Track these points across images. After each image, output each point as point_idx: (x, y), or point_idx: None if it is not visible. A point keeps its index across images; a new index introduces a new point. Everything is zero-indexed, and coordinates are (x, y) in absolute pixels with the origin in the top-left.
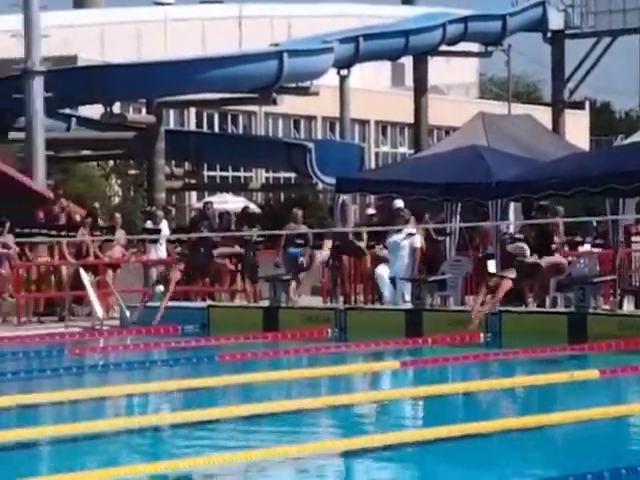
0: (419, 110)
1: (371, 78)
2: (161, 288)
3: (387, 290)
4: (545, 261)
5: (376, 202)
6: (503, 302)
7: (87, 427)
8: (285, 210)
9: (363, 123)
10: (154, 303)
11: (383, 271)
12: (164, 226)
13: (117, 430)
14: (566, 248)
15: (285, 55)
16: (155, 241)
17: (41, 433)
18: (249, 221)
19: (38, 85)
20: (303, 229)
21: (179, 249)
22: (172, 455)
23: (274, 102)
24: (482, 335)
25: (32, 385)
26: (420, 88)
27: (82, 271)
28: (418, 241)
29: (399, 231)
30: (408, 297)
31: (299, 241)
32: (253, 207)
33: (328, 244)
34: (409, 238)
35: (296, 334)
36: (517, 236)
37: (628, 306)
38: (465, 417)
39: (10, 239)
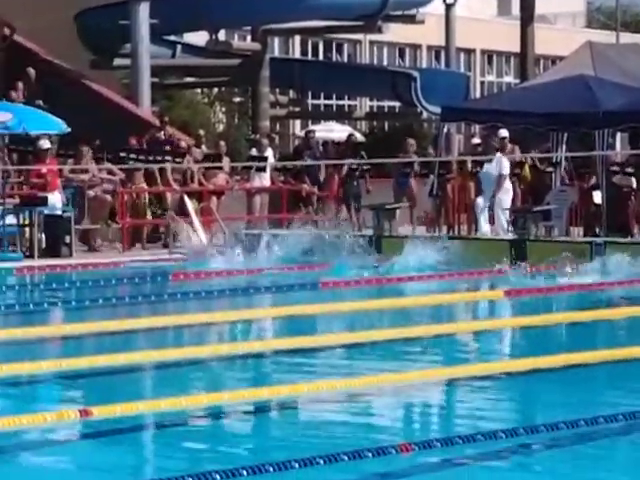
0: (525, 39)
1: (477, 7)
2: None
3: (483, 220)
4: None
5: (481, 132)
6: (608, 233)
7: (191, 352)
8: (389, 139)
9: (469, 52)
10: (254, 231)
11: (481, 201)
12: (269, 154)
13: (220, 356)
14: None
15: None
16: (260, 169)
17: (146, 357)
18: (354, 150)
19: (144, 11)
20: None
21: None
22: (275, 382)
23: (379, 30)
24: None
25: (136, 310)
26: (526, 17)
27: (186, 198)
28: (505, 168)
29: (491, 161)
30: (507, 226)
31: (407, 170)
32: (358, 136)
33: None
34: (498, 165)
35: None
36: (627, 170)
37: None
38: (569, 347)
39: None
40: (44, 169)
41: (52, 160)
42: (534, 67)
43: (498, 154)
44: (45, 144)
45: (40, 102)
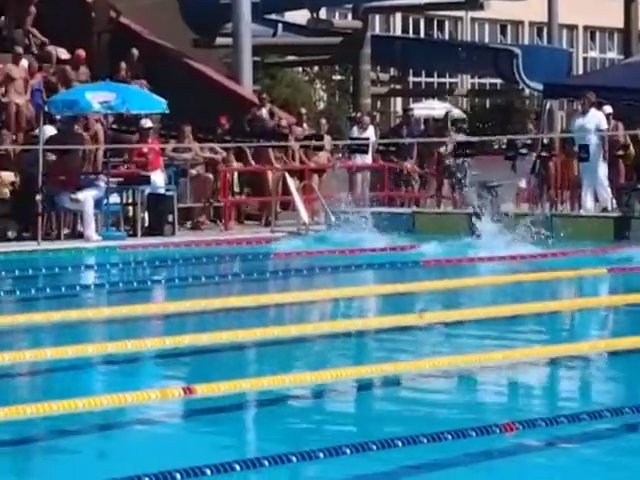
0: (629, 15)
1: None
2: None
3: (588, 197)
4: None
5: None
6: None
7: (293, 330)
8: (491, 116)
9: (571, 28)
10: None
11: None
12: (370, 132)
13: (323, 334)
14: None
15: None
16: (361, 150)
17: (248, 335)
18: (455, 127)
19: None
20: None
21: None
22: (378, 359)
23: (481, 7)
24: None
25: (239, 289)
26: None
27: (288, 176)
28: (602, 122)
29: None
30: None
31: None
32: (458, 113)
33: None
34: (595, 119)
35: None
36: None
37: None
38: None
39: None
40: (146, 148)
41: (155, 139)
42: (638, 43)
43: (593, 109)
44: (147, 123)
45: (143, 82)
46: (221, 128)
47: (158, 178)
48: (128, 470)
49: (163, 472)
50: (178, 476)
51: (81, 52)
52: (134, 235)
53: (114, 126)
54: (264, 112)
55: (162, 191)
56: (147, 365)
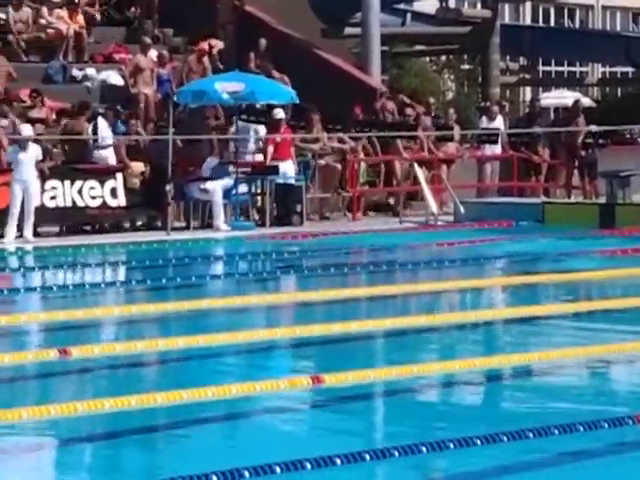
0: None
1: None
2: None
3: None
4: None
5: None
6: None
7: (421, 321)
8: (622, 105)
9: None
10: (484, 199)
11: None
12: (499, 122)
13: (451, 324)
14: None
15: None
16: (490, 140)
17: (377, 325)
18: (586, 117)
19: None
20: None
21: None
22: (507, 350)
23: None
24: None
25: (367, 279)
26: None
27: (416, 166)
28: None
29: None
30: None
31: None
32: (588, 102)
33: None
34: None
35: (632, 231)
36: None
37: None
38: None
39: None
40: (278, 138)
41: (286, 129)
42: None
43: None
44: (279, 113)
45: (271, 72)
46: (355, 118)
47: (289, 168)
48: (257, 459)
49: (294, 461)
50: (308, 465)
51: (204, 44)
52: (262, 225)
53: (243, 116)
54: (392, 102)
55: (291, 181)
56: (277, 354)
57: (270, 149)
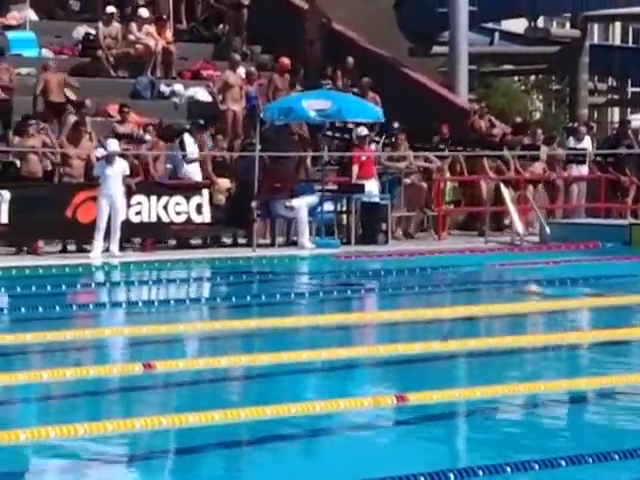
0: None
1: None
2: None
3: None
4: None
5: None
6: None
7: (506, 342)
8: None
9: None
10: (570, 220)
11: None
12: (587, 142)
13: (536, 346)
14: None
15: None
16: (578, 161)
17: (461, 346)
18: None
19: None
20: None
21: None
22: (592, 372)
23: None
24: None
25: (451, 299)
26: None
27: (503, 186)
28: None
29: None
30: None
31: None
32: None
33: None
34: None
35: None
36: None
37: None
38: None
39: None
40: (363, 156)
41: (369, 148)
42: None
43: None
44: (363, 131)
45: (376, 96)
46: (441, 136)
47: (373, 186)
48: (340, 477)
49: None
50: None
51: (285, 60)
52: (347, 243)
53: (329, 133)
54: (481, 122)
55: (376, 199)
56: (360, 373)
57: (355, 168)
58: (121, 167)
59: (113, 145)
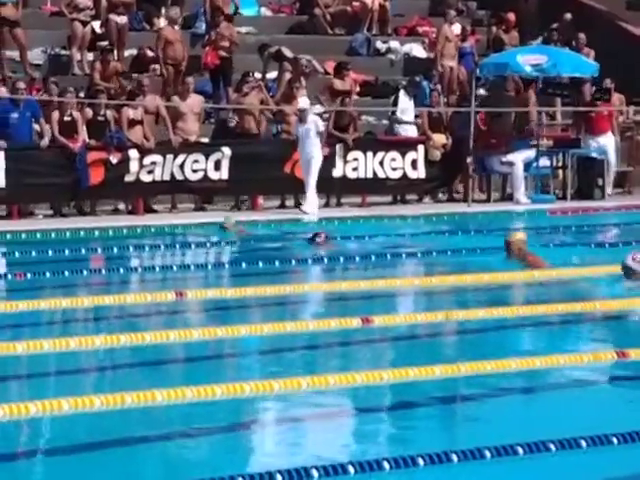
0: None
1: None
2: None
3: None
4: None
5: None
6: None
7: None
8: None
9: None
10: None
11: None
12: None
13: None
14: None
15: None
16: None
17: None
18: None
19: None
20: None
21: None
22: None
23: None
24: None
25: None
26: None
27: None
28: None
29: None
30: None
31: None
32: None
33: None
34: None
35: None
36: None
37: None
38: None
39: None
40: (604, 111)
41: (604, 103)
42: None
43: None
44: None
45: (591, 51)
46: None
47: (608, 141)
48: (559, 432)
49: (599, 435)
50: (615, 440)
51: (511, 16)
52: (563, 198)
53: (549, 90)
54: None
55: (594, 155)
56: (579, 329)
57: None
58: (312, 124)
59: (302, 102)
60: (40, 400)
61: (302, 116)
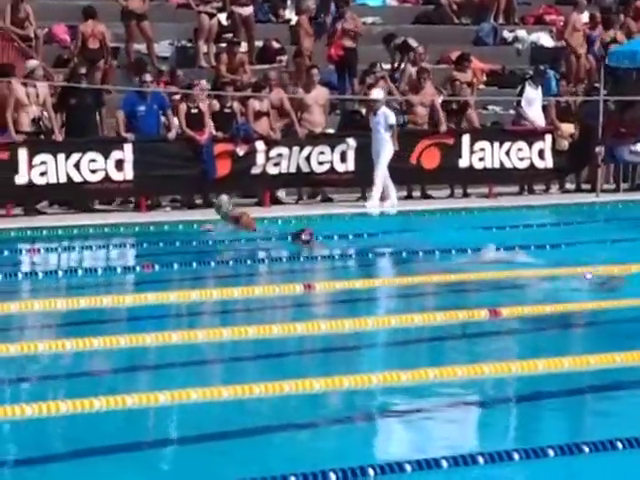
0: None
1: None
2: None
3: None
4: None
5: None
6: None
7: None
8: None
9: None
10: None
11: None
12: None
13: None
14: None
15: None
16: None
17: None
18: None
19: None
20: None
21: None
22: None
23: None
24: None
25: None
26: None
27: None
28: None
29: None
30: None
31: None
32: None
33: None
34: None
35: None
36: None
37: None
38: None
39: None
40: None
41: None
42: None
43: None
44: None
45: None
46: None
47: None
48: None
49: None
50: None
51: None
52: None
53: None
54: None
55: None
56: None
57: None
58: (382, 116)
59: (375, 93)
60: (169, 390)
61: (375, 107)
